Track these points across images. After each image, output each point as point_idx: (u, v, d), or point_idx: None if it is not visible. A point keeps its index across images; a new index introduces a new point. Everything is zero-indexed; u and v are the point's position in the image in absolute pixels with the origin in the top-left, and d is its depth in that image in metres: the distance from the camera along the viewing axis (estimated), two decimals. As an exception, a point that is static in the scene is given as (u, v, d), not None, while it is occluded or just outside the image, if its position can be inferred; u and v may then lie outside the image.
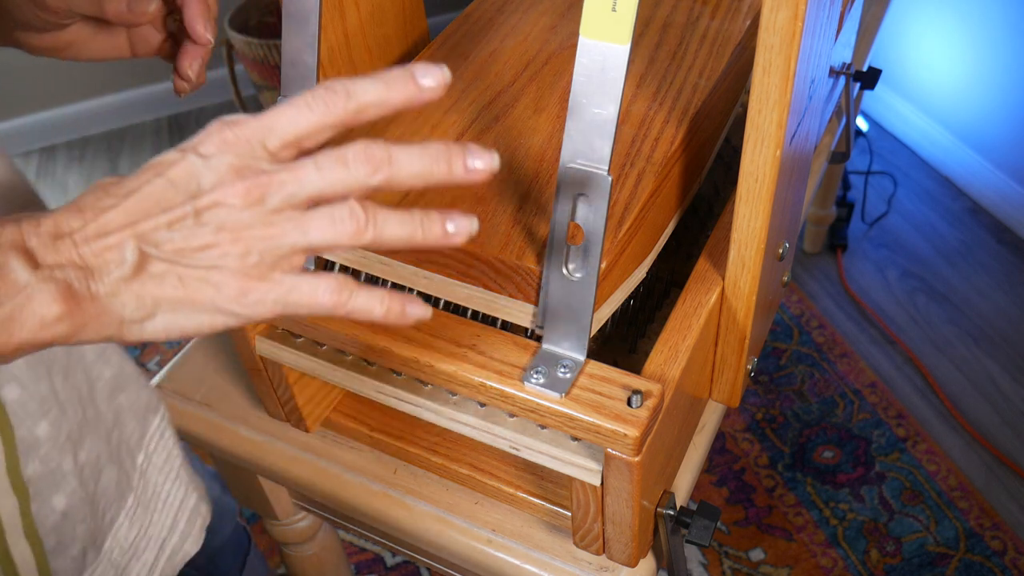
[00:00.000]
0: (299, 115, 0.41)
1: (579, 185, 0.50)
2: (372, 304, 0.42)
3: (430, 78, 0.42)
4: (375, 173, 0.41)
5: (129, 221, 0.39)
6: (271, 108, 0.41)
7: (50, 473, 0.53)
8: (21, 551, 0.52)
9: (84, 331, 0.39)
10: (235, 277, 0.40)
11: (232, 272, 0.40)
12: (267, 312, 0.41)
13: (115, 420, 0.61)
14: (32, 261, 0.38)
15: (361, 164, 0.41)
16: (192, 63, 0.58)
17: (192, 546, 0.68)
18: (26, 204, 0.56)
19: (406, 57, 0.78)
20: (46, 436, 0.53)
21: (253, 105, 2.26)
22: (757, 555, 1.43)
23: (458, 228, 0.43)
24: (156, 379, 0.77)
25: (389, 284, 0.62)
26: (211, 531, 0.81)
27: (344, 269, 0.63)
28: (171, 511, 0.67)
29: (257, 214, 0.40)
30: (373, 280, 0.63)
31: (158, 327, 0.40)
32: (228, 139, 0.40)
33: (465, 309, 0.60)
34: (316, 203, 0.41)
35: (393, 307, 0.43)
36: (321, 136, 0.41)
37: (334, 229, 0.41)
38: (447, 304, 0.61)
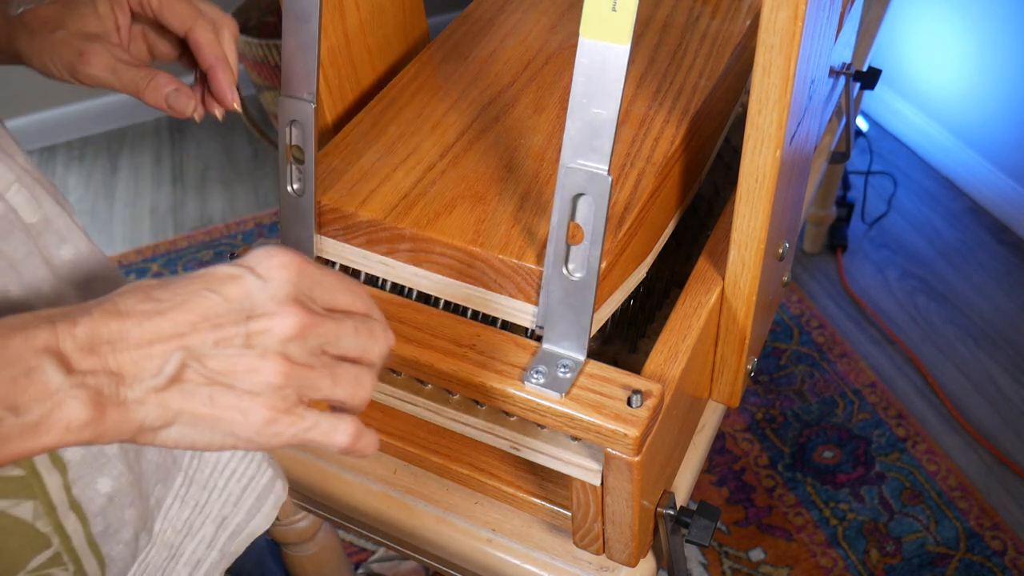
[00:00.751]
0: (345, 292, 0.44)
1: (579, 185, 0.50)
2: (373, 446, 0.46)
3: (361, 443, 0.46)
4: (387, 350, 0.45)
5: (177, 332, 0.39)
6: (327, 269, 0.44)
7: (93, 457, 0.53)
8: (72, 524, 0.52)
9: (104, 436, 0.39)
10: (265, 407, 0.40)
11: (264, 401, 0.40)
12: (281, 444, 0.42)
13: None
14: (66, 365, 0.38)
15: (383, 342, 0.44)
16: (217, 109, 0.61)
17: (262, 522, 0.67)
18: (107, 280, 0.57)
19: (406, 57, 0.78)
20: None
21: (253, 105, 2.26)
22: (757, 555, 1.43)
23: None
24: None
25: (389, 284, 0.62)
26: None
27: (344, 268, 0.63)
28: (238, 488, 0.66)
29: (301, 350, 0.41)
30: (372, 280, 0.63)
31: (171, 437, 0.40)
32: (290, 268, 0.41)
33: (465, 309, 0.60)
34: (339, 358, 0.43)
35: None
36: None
37: (354, 391, 0.43)
38: (447, 304, 0.61)
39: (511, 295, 0.57)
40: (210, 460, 0.65)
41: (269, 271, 0.41)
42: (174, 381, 0.39)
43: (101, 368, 0.38)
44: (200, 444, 0.41)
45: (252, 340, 0.40)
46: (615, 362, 0.68)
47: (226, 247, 1.99)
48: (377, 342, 0.44)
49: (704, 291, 0.63)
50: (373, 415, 0.70)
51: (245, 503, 0.67)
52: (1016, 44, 1.81)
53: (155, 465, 0.60)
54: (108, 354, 0.38)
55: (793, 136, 0.57)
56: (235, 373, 0.40)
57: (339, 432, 0.43)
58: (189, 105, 0.58)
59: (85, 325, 0.38)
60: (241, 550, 0.67)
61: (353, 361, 0.44)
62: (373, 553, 1.48)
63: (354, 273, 0.63)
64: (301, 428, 0.42)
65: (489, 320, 0.59)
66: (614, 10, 0.47)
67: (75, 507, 0.52)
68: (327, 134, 0.71)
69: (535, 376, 0.53)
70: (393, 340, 0.46)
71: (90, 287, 0.54)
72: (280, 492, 0.70)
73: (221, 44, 0.59)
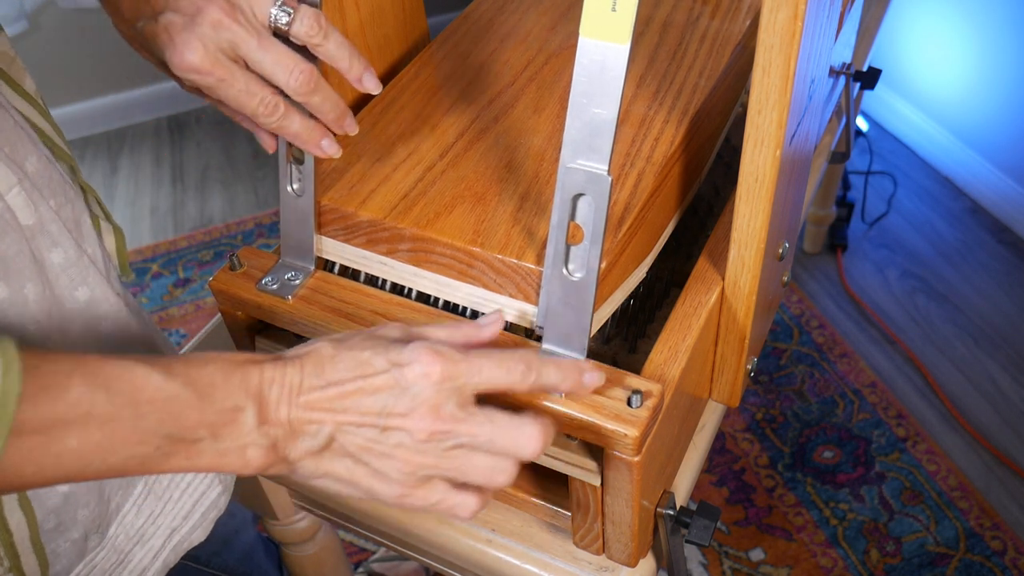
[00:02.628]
0: (499, 376, 0.48)
1: (579, 185, 0.50)
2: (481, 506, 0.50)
3: (595, 380, 0.52)
4: (534, 456, 0.48)
5: (332, 408, 0.46)
6: (483, 356, 0.48)
7: None
8: (16, 521, 0.54)
9: (266, 473, 0.46)
10: (397, 485, 0.47)
11: (394, 480, 0.47)
12: (405, 508, 0.49)
13: None
14: (263, 414, 0.45)
15: (535, 443, 0.47)
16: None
17: (200, 535, 0.70)
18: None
19: (406, 57, 0.78)
20: None
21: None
22: (757, 555, 1.43)
23: None
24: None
25: (389, 284, 0.62)
26: (237, 530, 0.81)
27: (344, 269, 0.63)
28: (190, 501, 0.69)
29: (432, 450, 0.46)
30: (372, 280, 0.63)
31: (320, 486, 0.48)
32: (434, 375, 0.46)
33: (465, 308, 0.60)
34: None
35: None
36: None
37: (489, 479, 0.48)
38: (447, 304, 0.61)
39: (511, 295, 0.57)
40: (165, 474, 0.65)
41: (413, 376, 0.46)
42: (325, 448, 0.46)
43: (284, 422, 0.45)
44: (344, 495, 0.48)
45: (387, 433, 0.46)
46: (615, 362, 0.68)
47: (226, 247, 1.99)
48: (521, 446, 0.47)
49: (704, 291, 0.63)
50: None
51: (193, 516, 0.70)
52: (1016, 44, 1.81)
53: None
54: (291, 409, 0.45)
55: (793, 136, 0.57)
56: (372, 454, 0.46)
57: (463, 509, 0.49)
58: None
59: (293, 376, 0.46)
60: (175, 562, 0.69)
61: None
62: (373, 553, 1.48)
63: (354, 274, 0.63)
64: (430, 501, 0.48)
65: (489, 320, 0.59)
66: (614, 10, 0.47)
67: (24, 505, 0.54)
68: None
69: (535, 376, 0.53)
70: (551, 436, 0.48)
71: (75, 291, 0.56)
72: (222, 506, 0.72)
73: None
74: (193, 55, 0.52)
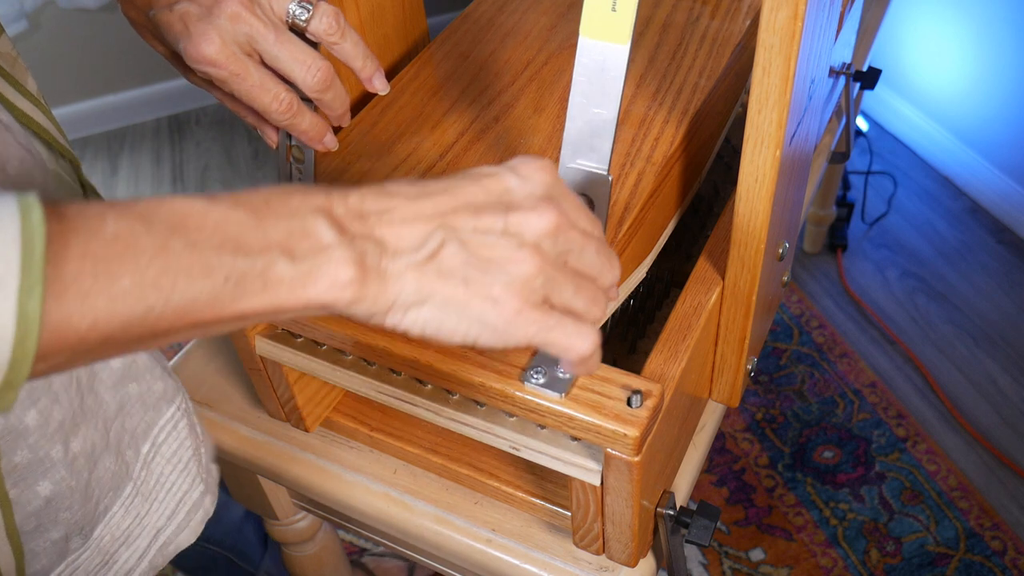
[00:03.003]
0: (589, 218, 0.44)
1: (579, 185, 0.50)
2: (597, 367, 0.46)
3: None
4: (615, 281, 0.46)
5: (440, 212, 0.41)
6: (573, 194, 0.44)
7: (38, 461, 0.54)
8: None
9: (360, 304, 0.40)
10: (517, 297, 0.41)
11: (516, 291, 0.41)
12: (522, 341, 0.42)
13: (119, 409, 0.60)
14: (339, 226, 0.39)
15: (615, 271, 0.45)
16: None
17: (187, 537, 0.68)
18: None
19: (406, 56, 0.78)
20: (35, 425, 0.53)
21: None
22: (757, 555, 1.43)
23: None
24: (156, 379, 0.77)
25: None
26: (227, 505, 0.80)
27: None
28: (173, 501, 0.67)
29: (553, 249, 0.42)
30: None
31: (421, 317, 0.41)
32: (547, 172, 0.43)
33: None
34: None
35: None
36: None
37: (590, 306, 0.43)
38: (447, 304, 0.61)
39: (511, 295, 0.57)
40: (155, 472, 0.66)
41: (529, 172, 0.43)
42: (432, 258, 0.40)
43: (369, 235, 0.40)
44: (446, 329, 0.41)
45: (510, 230, 0.41)
46: (615, 362, 0.68)
47: (226, 247, 1.99)
48: (612, 268, 0.45)
49: (704, 291, 0.63)
50: (373, 415, 0.70)
51: (177, 517, 0.68)
52: (1016, 44, 1.81)
53: (111, 473, 0.61)
54: (376, 225, 0.40)
55: (793, 136, 0.57)
56: (491, 260, 0.41)
57: (582, 338, 0.43)
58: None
59: (356, 196, 0.40)
60: (164, 564, 0.67)
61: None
62: (374, 553, 1.48)
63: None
64: (547, 325, 0.42)
65: (489, 320, 0.59)
66: (614, 10, 0.47)
67: (2, 500, 0.52)
68: (327, 134, 0.71)
69: (535, 376, 0.53)
70: (620, 274, 0.46)
71: None
72: (208, 507, 0.70)
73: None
74: (210, 47, 0.51)
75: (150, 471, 0.65)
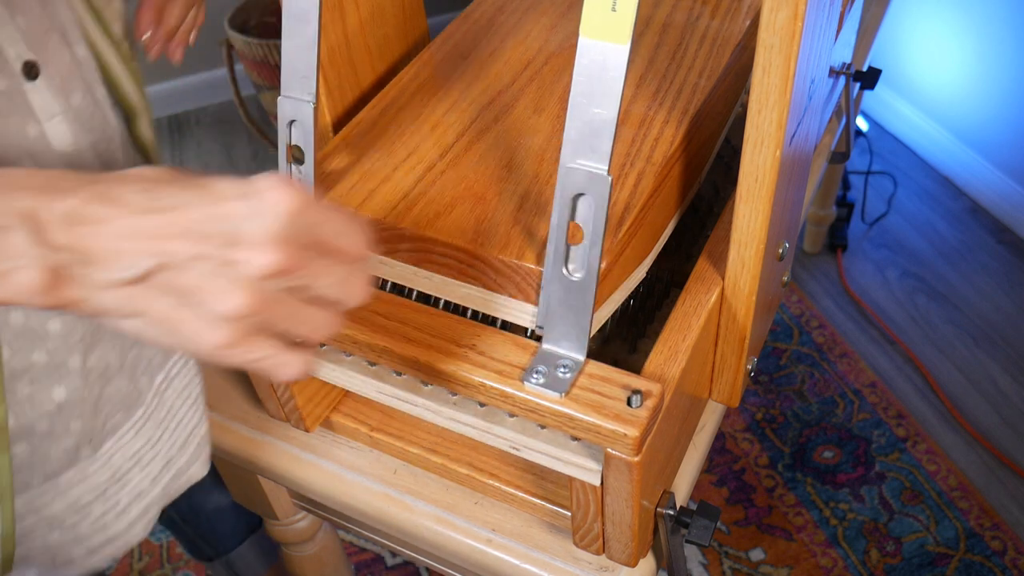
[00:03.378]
0: (345, 236, 0.43)
1: (579, 185, 0.50)
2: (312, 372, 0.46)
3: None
4: (359, 303, 0.44)
5: (160, 234, 0.39)
6: (332, 209, 0.43)
7: (55, 366, 0.57)
8: None
9: (60, 307, 0.40)
10: (223, 332, 0.41)
11: (223, 325, 0.41)
12: (232, 364, 0.42)
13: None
14: (40, 235, 0.38)
15: (359, 296, 0.44)
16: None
17: (199, 470, 0.72)
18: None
19: (406, 57, 0.78)
20: (57, 332, 0.56)
21: (253, 104, 2.25)
22: (757, 555, 1.43)
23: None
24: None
25: (389, 284, 0.62)
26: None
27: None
28: (183, 433, 0.70)
29: (273, 288, 0.41)
30: (372, 281, 0.63)
31: (132, 328, 0.41)
32: (288, 206, 0.40)
33: (465, 309, 0.60)
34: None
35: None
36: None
37: (314, 331, 0.43)
38: (447, 304, 0.61)
39: (511, 295, 0.57)
40: (165, 403, 0.68)
41: (266, 204, 0.40)
42: (143, 279, 0.39)
43: (74, 246, 0.39)
44: (158, 344, 0.42)
45: (227, 267, 0.40)
46: (615, 362, 0.68)
47: (226, 247, 1.99)
48: (354, 296, 0.44)
49: (704, 291, 0.63)
50: (373, 415, 0.70)
51: (188, 448, 0.71)
52: (1016, 44, 1.81)
53: (123, 394, 0.64)
54: (86, 236, 0.39)
55: (793, 136, 0.57)
56: (204, 290, 0.40)
57: (288, 367, 0.44)
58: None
59: (74, 201, 0.39)
60: (178, 493, 0.71)
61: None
62: (374, 555, 1.48)
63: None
64: (252, 358, 0.42)
65: (489, 320, 0.59)
66: (614, 10, 0.47)
67: None
68: (327, 134, 0.71)
69: (535, 376, 0.53)
70: (368, 295, 0.45)
71: None
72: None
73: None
74: None
75: (162, 401, 0.68)
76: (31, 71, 0.53)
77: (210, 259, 0.39)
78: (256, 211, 0.40)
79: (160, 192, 0.40)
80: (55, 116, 0.54)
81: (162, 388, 0.68)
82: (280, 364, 0.43)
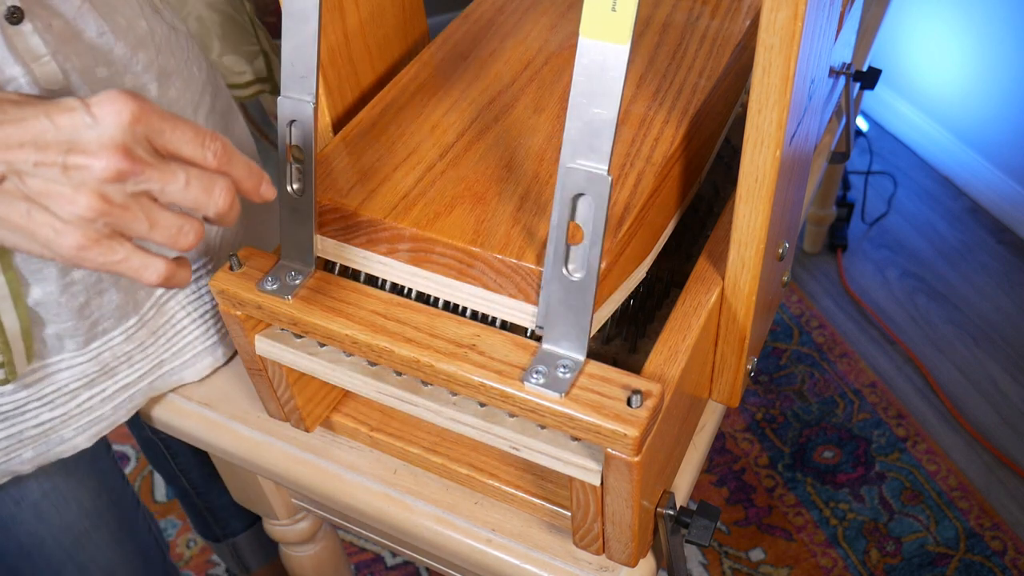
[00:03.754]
0: (192, 141, 0.46)
1: (579, 185, 0.50)
2: (187, 280, 0.50)
3: (269, 192, 0.52)
4: (220, 211, 0.48)
5: (4, 144, 0.43)
6: (180, 119, 0.46)
7: (31, 271, 0.61)
8: (10, 320, 0.60)
9: None
10: (76, 234, 0.44)
11: (75, 228, 0.44)
12: (93, 268, 0.47)
13: None
14: None
15: (220, 200, 0.47)
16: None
17: (192, 375, 0.75)
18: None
19: (406, 57, 0.78)
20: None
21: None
22: (757, 555, 1.43)
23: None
24: (156, 379, 0.77)
25: (389, 284, 0.62)
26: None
27: (344, 269, 0.63)
28: (181, 341, 0.73)
29: (117, 192, 0.44)
30: (372, 280, 0.63)
31: None
32: (125, 115, 0.44)
33: (465, 309, 0.60)
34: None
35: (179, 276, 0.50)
36: (192, 162, 0.47)
37: (175, 238, 0.47)
38: (447, 304, 0.61)
39: (511, 295, 0.57)
40: (166, 314, 0.71)
41: (104, 113, 0.44)
42: None
43: None
44: (19, 248, 0.46)
45: (69, 173, 0.43)
46: (615, 362, 0.68)
47: (226, 247, 1.99)
48: (212, 199, 0.47)
49: (704, 291, 0.63)
50: (373, 415, 0.70)
51: (183, 355, 0.73)
52: (1016, 44, 1.81)
53: (115, 306, 0.67)
54: None
55: (793, 136, 0.57)
56: (51, 197, 0.44)
57: (149, 271, 0.47)
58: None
59: None
60: (166, 389, 0.74)
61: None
62: (374, 555, 1.48)
63: (354, 274, 0.63)
64: (111, 260, 0.46)
65: (489, 320, 0.59)
66: (614, 10, 0.47)
67: (19, 307, 0.59)
68: (327, 134, 0.71)
69: (535, 376, 0.53)
70: (228, 201, 0.48)
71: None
72: (219, 357, 0.76)
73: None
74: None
75: (161, 311, 0.71)
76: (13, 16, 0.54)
77: (53, 166, 0.43)
78: (95, 119, 0.44)
79: (6, 107, 0.44)
80: (42, 57, 0.56)
81: (163, 300, 0.71)
82: (140, 267, 0.47)
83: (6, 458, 0.67)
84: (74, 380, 0.67)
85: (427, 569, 1.45)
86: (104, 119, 0.44)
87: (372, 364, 0.62)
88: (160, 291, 0.70)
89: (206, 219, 0.50)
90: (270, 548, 1.23)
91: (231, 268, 0.61)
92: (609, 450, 0.53)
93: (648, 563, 0.63)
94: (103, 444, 0.80)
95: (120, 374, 0.70)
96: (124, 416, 0.72)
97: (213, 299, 0.72)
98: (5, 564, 0.76)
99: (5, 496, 0.72)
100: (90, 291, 0.64)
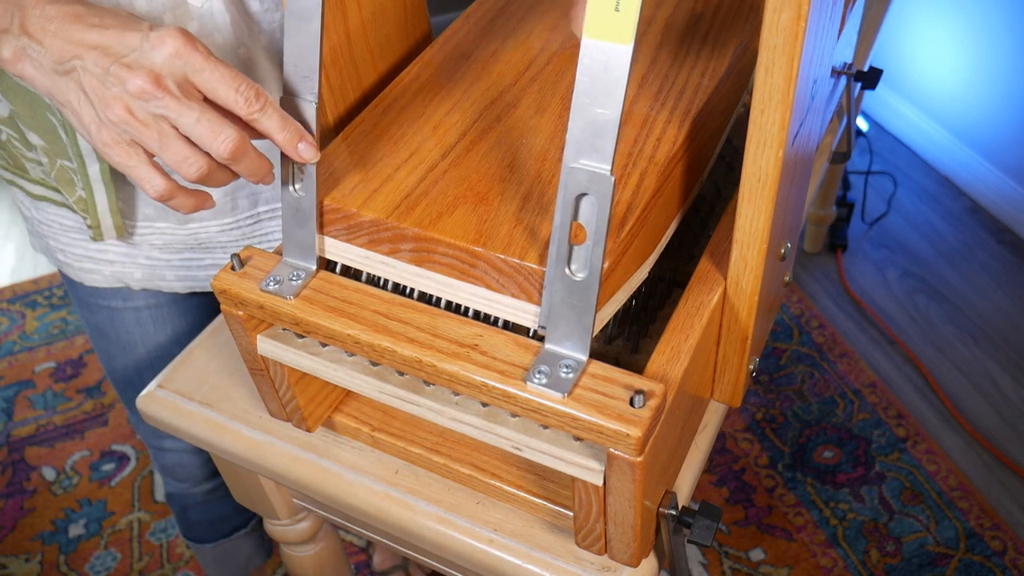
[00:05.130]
0: (228, 87, 0.54)
1: (582, 185, 0.50)
2: (188, 208, 0.59)
3: (308, 153, 0.57)
4: (229, 158, 0.54)
5: (84, 42, 0.53)
6: (222, 64, 0.54)
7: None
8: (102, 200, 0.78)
9: (20, 77, 0.56)
10: (104, 132, 0.54)
11: (103, 127, 0.54)
12: (111, 164, 0.56)
13: None
14: (22, 24, 0.54)
15: (222, 145, 0.53)
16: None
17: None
18: None
19: (408, 57, 0.78)
20: None
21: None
22: (757, 555, 1.43)
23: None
24: (156, 380, 0.77)
25: (391, 284, 0.62)
26: None
27: (346, 269, 0.63)
28: (267, 244, 0.89)
29: (141, 108, 0.53)
30: (374, 280, 0.63)
31: (65, 113, 0.56)
32: (170, 48, 0.52)
33: (467, 309, 0.60)
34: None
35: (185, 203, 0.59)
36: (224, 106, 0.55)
37: (180, 165, 0.54)
38: (449, 303, 0.61)
39: (513, 295, 0.57)
40: (263, 229, 0.88)
41: (157, 40, 0.52)
42: (65, 73, 0.54)
43: (35, 35, 0.54)
44: (75, 127, 0.56)
45: (111, 80, 0.52)
46: (617, 362, 0.68)
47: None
48: (216, 141, 0.53)
49: (706, 291, 0.63)
50: (375, 415, 0.70)
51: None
52: (1016, 44, 1.81)
53: (216, 204, 0.76)
54: (44, 31, 0.54)
55: (796, 136, 0.57)
56: (97, 95, 0.53)
57: (151, 184, 0.56)
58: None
59: (41, 6, 0.54)
60: (192, 243, 0.87)
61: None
62: (372, 555, 1.48)
63: (356, 274, 0.63)
64: (126, 163, 0.55)
65: (491, 320, 0.59)
66: (617, 10, 0.47)
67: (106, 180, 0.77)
68: (329, 134, 0.71)
69: (537, 376, 0.53)
70: (231, 148, 0.54)
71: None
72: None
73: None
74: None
75: (259, 225, 0.89)
76: None
77: (107, 72, 0.52)
78: (149, 44, 0.52)
79: (103, 15, 0.54)
80: None
81: (264, 216, 0.86)
82: (144, 178, 0.55)
83: (122, 270, 0.87)
84: (177, 242, 0.85)
85: (418, 566, 1.45)
86: (155, 46, 0.52)
87: (374, 364, 0.62)
88: (263, 208, 0.86)
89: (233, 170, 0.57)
90: (258, 554, 1.23)
91: (233, 268, 0.61)
92: (612, 450, 0.52)
93: (650, 563, 0.63)
94: (213, 309, 0.96)
95: (216, 253, 0.87)
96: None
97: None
98: (105, 351, 0.97)
99: (116, 294, 0.91)
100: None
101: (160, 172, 0.56)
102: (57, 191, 0.82)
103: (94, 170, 0.76)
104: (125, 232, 0.82)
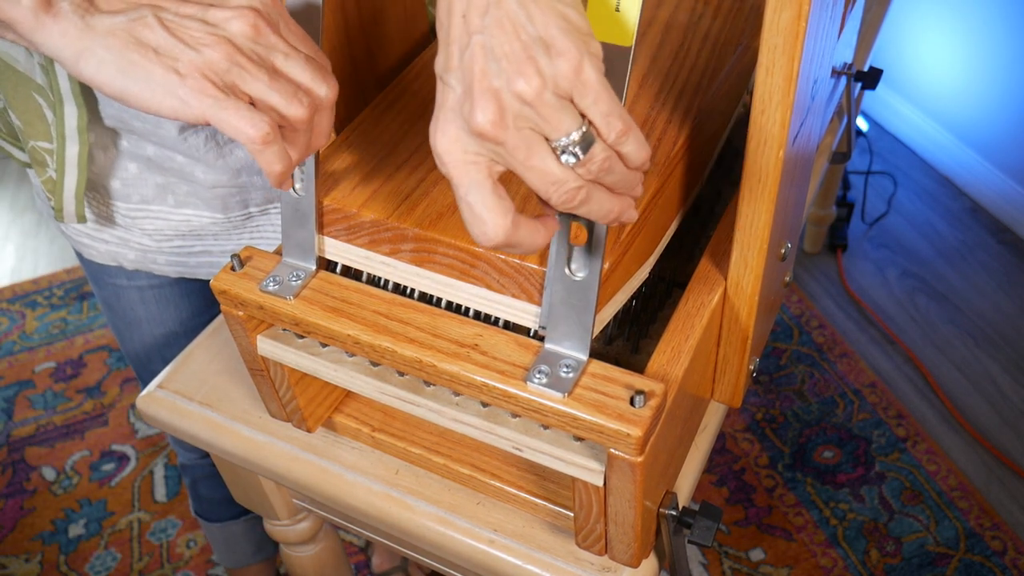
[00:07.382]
0: (306, 44, 0.52)
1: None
2: (279, 164, 0.51)
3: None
4: (328, 104, 0.52)
5: None
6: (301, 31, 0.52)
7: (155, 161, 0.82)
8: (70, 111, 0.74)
9: (41, 34, 0.48)
10: (198, 74, 0.48)
11: (198, 69, 0.48)
12: (198, 115, 0.48)
13: None
14: None
15: (324, 91, 0.51)
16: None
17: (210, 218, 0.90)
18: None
19: (407, 57, 0.78)
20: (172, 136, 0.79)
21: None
22: (757, 555, 1.43)
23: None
24: (156, 380, 0.77)
25: (391, 284, 0.62)
26: None
27: (346, 270, 0.63)
28: (266, 245, 0.91)
29: (248, 46, 0.49)
30: (374, 281, 0.63)
31: (106, 75, 0.48)
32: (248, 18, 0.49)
33: (467, 309, 0.60)
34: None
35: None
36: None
37: (289, 103, 0.50)
38: (449, 303, 0.61)
39: (514, 295, 0.57)
40: (272, 222, 0.89)
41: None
42: (131, 26, 0.47)
43: None
44: (132, 92, 0.48)
45: (209, 21, 0.48)
46: (617, 362, 0.68)
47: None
48: (316, 82, 0.51)
49: (706, 291, 0.63)
50: (375, 415, 0.70)
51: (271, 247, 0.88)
52: (1015, 44, 1.81)
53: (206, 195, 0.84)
54: None
55: (796, 136, 0.57)
56: (185, 40, 0.48)
57: (252, 124, 0.48)
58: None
59: None
60: (189, 222, 0.87)
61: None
62: (371, 556, 1.48)
63: (356, 274, 0.63)
64: (222, 105, 0.48)
65: (491, 320, 0.59)
66: (617, 10, 0.47)
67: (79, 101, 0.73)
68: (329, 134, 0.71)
69: (538, 376, 0.53)
70: (331, 96, 0.52)
71: None
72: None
73: None
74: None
75: (269, 219, 0.91)
76: None
77: (193, 15, 0.48)
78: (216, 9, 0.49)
79: None
80: None
81: (256, 213, 0.87)
82: (244, 118, 0.48)
83: (116, 250, 0.88)
84: (168, 228, 0.86)
85: (419, 566, 1.45)
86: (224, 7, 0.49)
87: (374, 364, 0.62)
88: (249, 207, 0.86)
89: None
90: (265, 544, 1.24)
91: (232, 268, 0.61)
92: (612, 450, 0.52)
93: (650, 563, 0.63)
94: (213, 301, 0.96)
95: (207, 240, 0.88)
96: (204, 275, 0.91)
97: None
98: (116, 327, 0.99)
99: (119, 272, 0.92)
100: (168, 176, 0.82)
101: (257, 115, 0.50)
102: None
103: (72, 152, 0.75)
104: (84, 219, 0.81)
